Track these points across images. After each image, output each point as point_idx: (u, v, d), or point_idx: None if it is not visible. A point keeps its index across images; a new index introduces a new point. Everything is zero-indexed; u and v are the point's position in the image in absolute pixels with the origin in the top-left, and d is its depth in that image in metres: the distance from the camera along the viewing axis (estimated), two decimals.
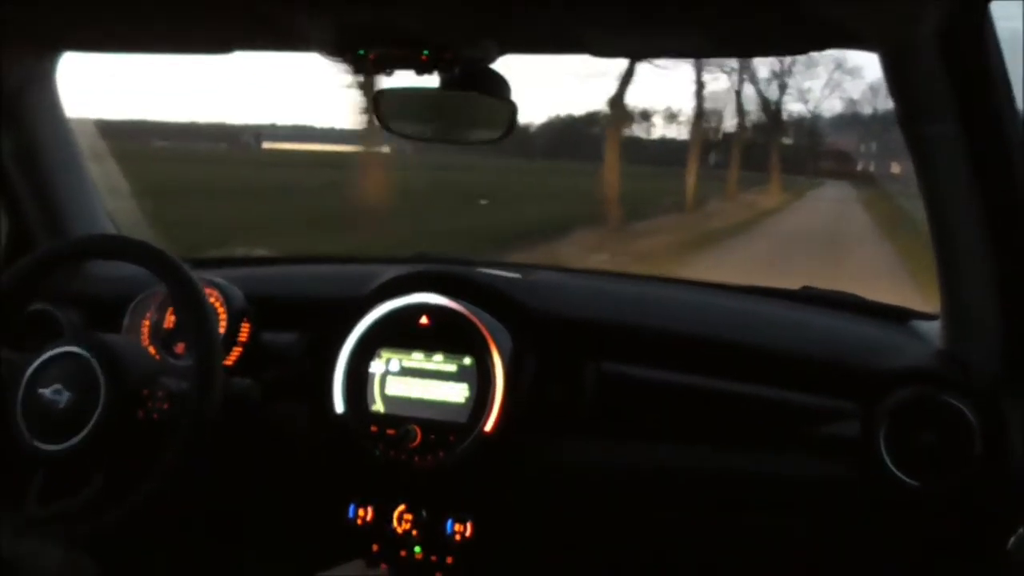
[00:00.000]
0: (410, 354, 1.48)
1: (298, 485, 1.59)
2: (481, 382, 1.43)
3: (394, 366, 1.48)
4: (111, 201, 1.90)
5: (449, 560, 1.46)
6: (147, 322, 1.60)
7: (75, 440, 1.29)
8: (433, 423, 1.43)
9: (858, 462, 1.31)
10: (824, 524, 1.39)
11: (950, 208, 1.22)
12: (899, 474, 1.27)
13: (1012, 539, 1.19)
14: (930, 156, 1.21)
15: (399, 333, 1.49)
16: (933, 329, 1.41)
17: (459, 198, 17.48)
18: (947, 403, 1.25)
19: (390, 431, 1.43)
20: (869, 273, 9.49)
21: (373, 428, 1.45)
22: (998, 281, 1.22)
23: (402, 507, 1.47)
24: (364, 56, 1.25)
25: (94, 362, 1.33)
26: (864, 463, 1.30)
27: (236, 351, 1.57)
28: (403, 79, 1.30)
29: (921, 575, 1.35)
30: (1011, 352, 1.25)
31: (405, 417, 1.44)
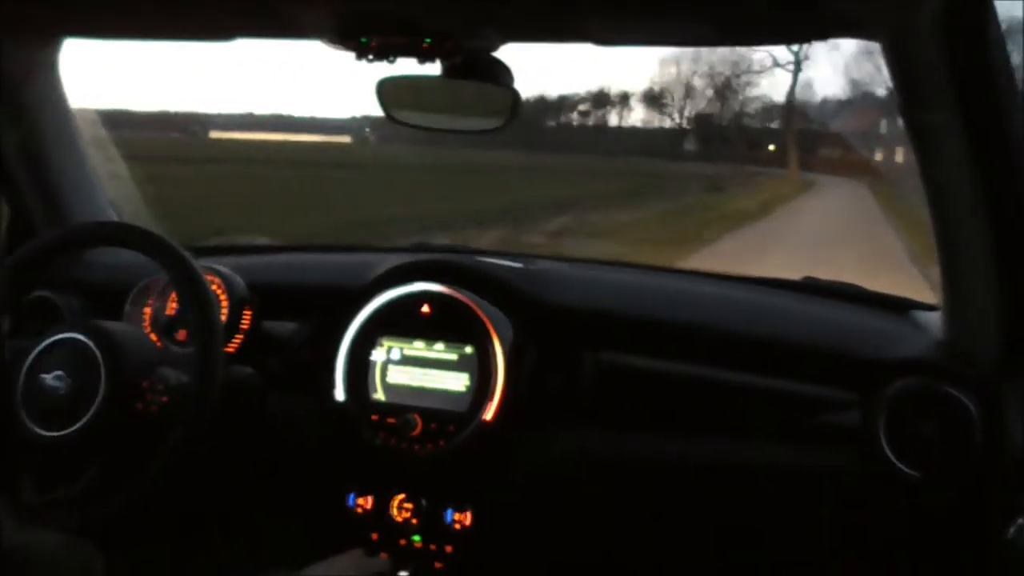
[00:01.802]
0: (411, 343, 1.48)
1: (298, 473, 1.60)
2: (482, 371, 1.43)
3: (395, 355, 1.48)
4: (112, 188, 1.90)
5: (448, 549, 1.46)
6: (148, 309, 1.60)
7: (76, 426, 1.29)
8: (434, 412, 1.43)
9: (858, 452, 1.31)
10: (824, 514, 1.40)
11: (952, 198, 1.22)
12: (899, 464, 1.27)
13: (1012, 528, 1.19)
14: (932, 145, 1.20)
15: (400, 322, 1.49)
16: (934, 319, 1.41)
17: None
18: (948, 393, 1.25)
19: (391, 420, 1.43)
20: None
21: (374, 416, 1.45)
22: (999, 271, 1.21)
23: (402, 496, 1.47)
24: (366, 44, 1.25)
25: (95, 348, 1.33)
26: (864, 453, 1.30)
27: (238, 339, 1.57)
28: (405, 67, 1.30)
29: (922, 564, 1.35)
30: (1012, 342, 1.25)
31: (406, 406, 1.44)
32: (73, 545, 0.98)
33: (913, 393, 1.28)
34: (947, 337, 1.35)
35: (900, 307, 1.54)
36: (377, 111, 1.39)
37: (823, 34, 1.24)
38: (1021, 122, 1.13)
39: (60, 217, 1.74)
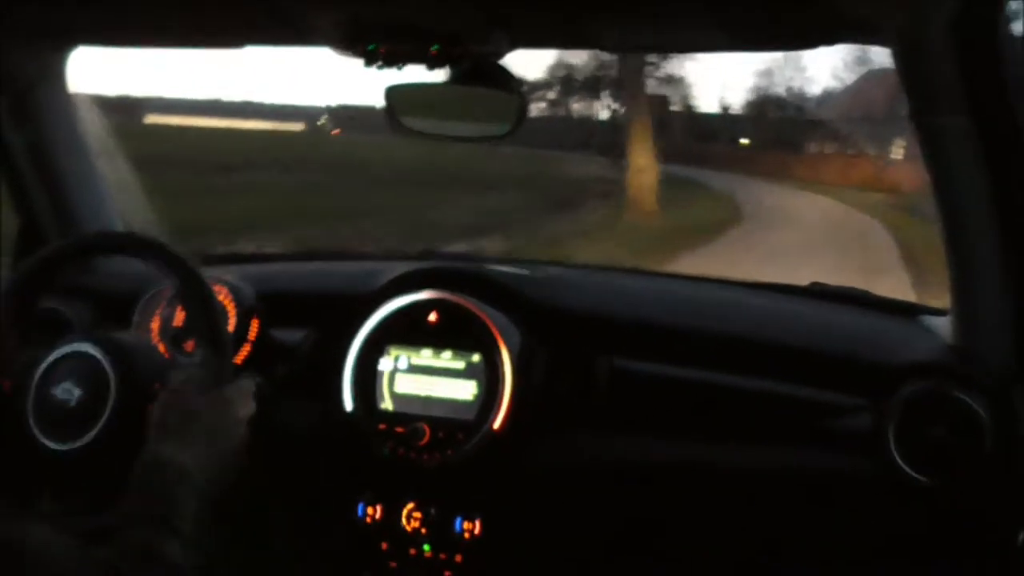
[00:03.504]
0: (419, 351, 1.47)
1: (307, 483, 1.59)
2: (490, 379, 1.42)
3: (403, 363, 1.48)
4: (121, 197, 1.90)
5: (458, 558, 1.45)
6: (157, 319, 1.59)
7: (86, 438, 1.29)
8: (442, 421, 1.42)
9: (868, 457, 1.31)
10: (834, 519, 1.39)
11: (962, 202, 1.22)
12: (909, 470, 1.26)
13: (1022, 534, 1.18)
14: (942, 150, 1.20)
15: (408, 330, 1.49)
16: (943, 324, 1.40)
17: None
18: (958, 398, 1.25)
19: (399, 429, 1.43)
20: None
21: (382, 426, 1.44)
22: (1009, 276, 1.21)
23: (411, 505, 1.47)
24: (375, 50, 1.25)
25: (104, 360, 1.32)
26: (874, 458, 1.29)
27: (245, 348, 1.57)
28: (414, 74, 1.30)
29: (932, 570, 1.35)
30: (1022, 347, 1.24)
31: (414, 415, 1.44)
32: (81, 549, 0.98)
33: (923, 397, 1.27)
34: (957, 341, 1.34)
35: (908, 312, 1.54)
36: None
37: (834, 39, 1.24)
38: None
39: (70, 226, 1.75)
